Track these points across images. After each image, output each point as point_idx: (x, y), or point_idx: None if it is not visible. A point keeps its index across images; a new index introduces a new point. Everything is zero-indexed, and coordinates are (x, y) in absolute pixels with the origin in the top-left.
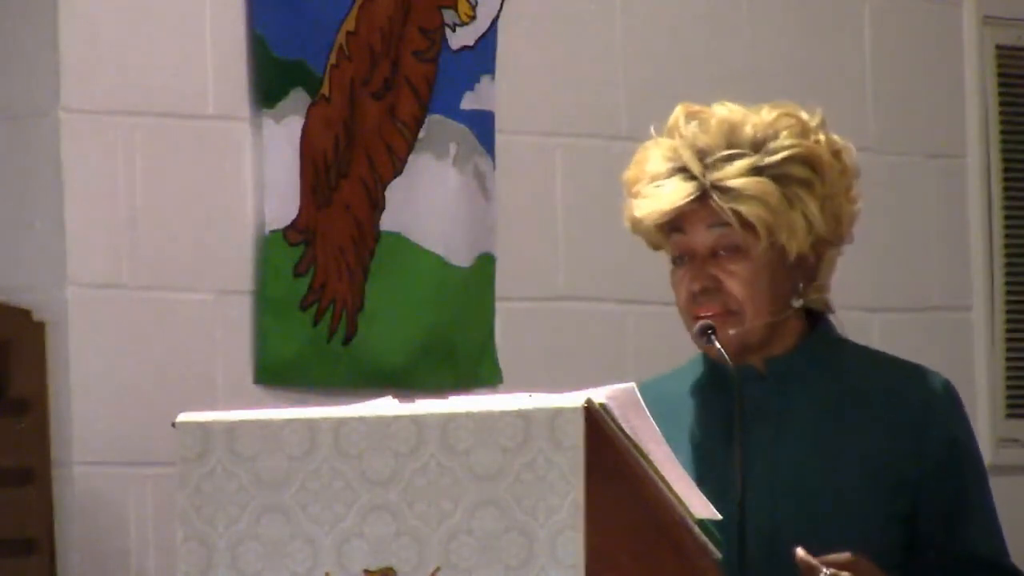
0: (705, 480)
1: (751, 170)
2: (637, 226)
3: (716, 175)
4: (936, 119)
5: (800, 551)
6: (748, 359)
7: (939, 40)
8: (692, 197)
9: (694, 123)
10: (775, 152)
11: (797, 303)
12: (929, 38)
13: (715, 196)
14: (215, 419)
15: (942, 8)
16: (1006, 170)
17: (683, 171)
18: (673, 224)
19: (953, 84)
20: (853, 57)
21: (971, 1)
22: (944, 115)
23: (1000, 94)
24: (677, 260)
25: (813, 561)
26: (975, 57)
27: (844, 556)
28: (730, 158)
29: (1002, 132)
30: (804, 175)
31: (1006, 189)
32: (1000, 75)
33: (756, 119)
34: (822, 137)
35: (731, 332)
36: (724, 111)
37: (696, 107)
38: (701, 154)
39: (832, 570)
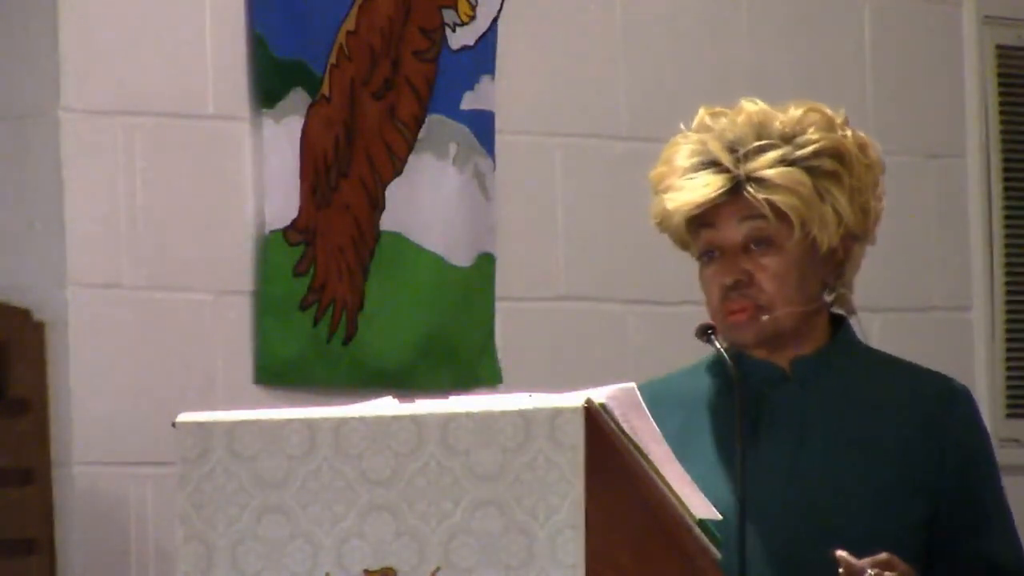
0: (717, 479)
1: (783, 161)
2: (667, 221)
3: (749, 166)
4: (936, 119)
5: (840, 552)
6: (778, 354)
7: (939, 40)
8: (725, 189)
9: (722, 118)
10: (805, 145)
11: (829, 296)
12: (929, 38)
13: (750, 187)
14: (215, 419)
15: (942, 8)
16: (1006, 170)
17: (714, 164)
18: (703, 219)
19: (953, 84)
20: (853, 57)
21: (971, 1)
22: (944, 115)
23: (1000, 94)
24: (706, 257)
25: (855, 561)
26: (975, 57)
27: (882, 556)
28: (761, 149)
29: (1002, 132)
30: (833, 168)
31: (1006, 189)
32: (1000, 75)
33: (783, 115)
34: (848, 132)
35: (764, 319)
36: (752, 106)
37: (719, 108)
38: (732, 146)
39: (876, 570)
